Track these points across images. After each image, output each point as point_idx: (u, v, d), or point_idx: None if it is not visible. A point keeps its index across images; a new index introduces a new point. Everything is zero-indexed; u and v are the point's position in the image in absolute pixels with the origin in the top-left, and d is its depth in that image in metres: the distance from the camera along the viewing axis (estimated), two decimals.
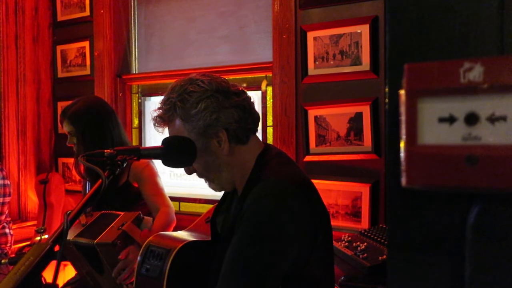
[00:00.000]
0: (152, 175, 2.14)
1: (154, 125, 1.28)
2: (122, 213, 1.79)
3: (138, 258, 1.33)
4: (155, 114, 1.26)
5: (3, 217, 2.40)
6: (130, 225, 1.71)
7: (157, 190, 2.13)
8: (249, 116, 1.24)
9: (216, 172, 1.26)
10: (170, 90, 1.23)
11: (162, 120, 1.26)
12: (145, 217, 1.82)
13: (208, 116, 1.19)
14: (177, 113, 1.21)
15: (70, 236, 1.68)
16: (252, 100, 1.28)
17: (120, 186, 2.13)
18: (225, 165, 1.25)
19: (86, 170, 2.15)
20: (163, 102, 1.24)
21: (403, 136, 0.47)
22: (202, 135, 1.21)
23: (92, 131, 2.10)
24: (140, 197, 2.14)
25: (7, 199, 2.43)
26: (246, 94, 1.27)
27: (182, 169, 1.31)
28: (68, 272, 2.79)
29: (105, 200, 2.07)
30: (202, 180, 1.32)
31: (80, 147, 2.09)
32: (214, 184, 1.30)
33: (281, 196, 1.12)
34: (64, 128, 2.14)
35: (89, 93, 3.06)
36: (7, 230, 2.45)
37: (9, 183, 2.47)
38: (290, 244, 1.10)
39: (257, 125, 1.30)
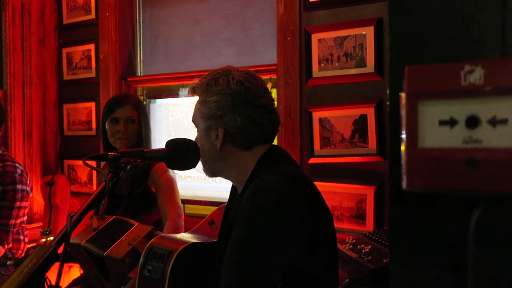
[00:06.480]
0: (169, 182, 2.13)
1: (188, 92, 1.41)
2: (135, 224, 1.72)
3: (141, 259, 1.33)
4: (193, 85, 1.39)
5: (19, 221, 2.36)
6: (142, 241, 1.61)
7: (170, 197, 2.11)
8: (257, 130, 1.27)
9: (210, 159, 1.33)
10: (211, 72, 1.34)
11: (193, 91, 1.38)
12: (157, 232, 1.77)
13: (214, 110, 1.27)
14: (199, 93, 1.33)
15: (82, 240, 1.65)
16: (276, 119, 1.32)
17: (139, 189, 2.13)
18: (219, 158, 1.31)
19: None
20: (200, 79, 1.36)
21: (404, 139, 0.47)
22: (206, 121, 1.30)
23: (148, 121, 2.28)
24: (156, 202, 2.14)
25: (24, 203, 2.37)
26: (271, 109, 1.31)
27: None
28: (73, 274, 2.80)
29: (122, 203, 2.08)
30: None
31: (140, 132, 2.20)
32: (205, 168, 1.37)
33: (275, 192, 1.13)
34: (122, 114, 2.18)
35: (95, 96, 3.08)
36: (21, 237, 2.42)
37: (28, 189, 2.41)
38: (286, 241, 1.11)
39: (269, 139, 1.32)
